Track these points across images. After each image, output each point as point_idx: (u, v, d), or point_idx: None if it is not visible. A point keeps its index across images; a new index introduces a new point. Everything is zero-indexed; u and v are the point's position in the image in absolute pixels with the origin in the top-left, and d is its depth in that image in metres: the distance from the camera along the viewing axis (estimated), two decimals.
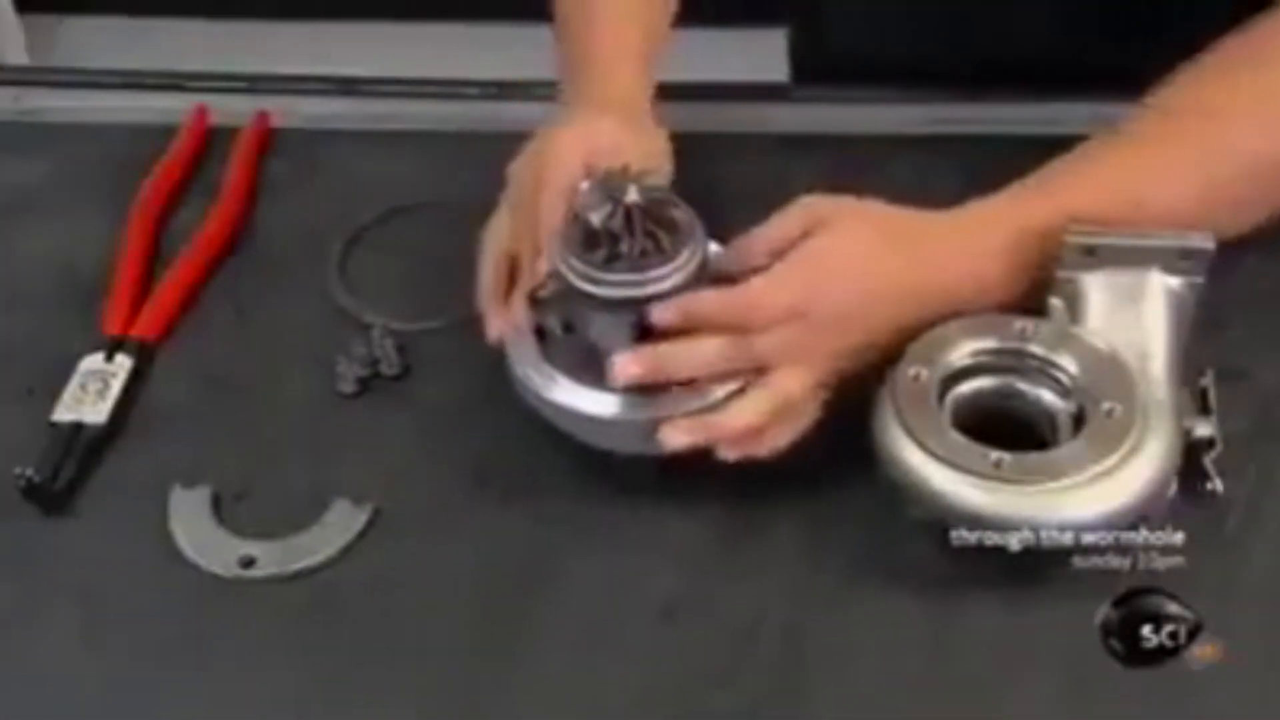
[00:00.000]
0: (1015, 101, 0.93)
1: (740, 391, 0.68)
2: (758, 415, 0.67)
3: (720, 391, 0.68)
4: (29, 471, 0.72)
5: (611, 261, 0.66)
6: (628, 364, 0.66)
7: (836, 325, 0.68)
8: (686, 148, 0.81)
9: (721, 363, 0.67)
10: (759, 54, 1.09)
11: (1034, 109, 0.91)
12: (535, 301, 0.70)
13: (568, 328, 0.69)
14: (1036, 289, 0.71)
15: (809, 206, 0.70)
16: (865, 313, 0.68)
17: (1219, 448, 0.69)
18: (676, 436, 0.67)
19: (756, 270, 0.69)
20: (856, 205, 0.71)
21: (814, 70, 1.05)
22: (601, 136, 0.74)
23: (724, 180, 0.83)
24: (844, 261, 0.69)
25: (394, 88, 1.01)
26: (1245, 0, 0.76)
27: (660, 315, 0.66)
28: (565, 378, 0.69)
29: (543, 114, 0.90)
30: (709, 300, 0.68)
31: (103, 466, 0.75)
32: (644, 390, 0.68)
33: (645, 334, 0.68)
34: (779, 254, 0.69)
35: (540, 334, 0.70)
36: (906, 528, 0.67)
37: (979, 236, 0.71)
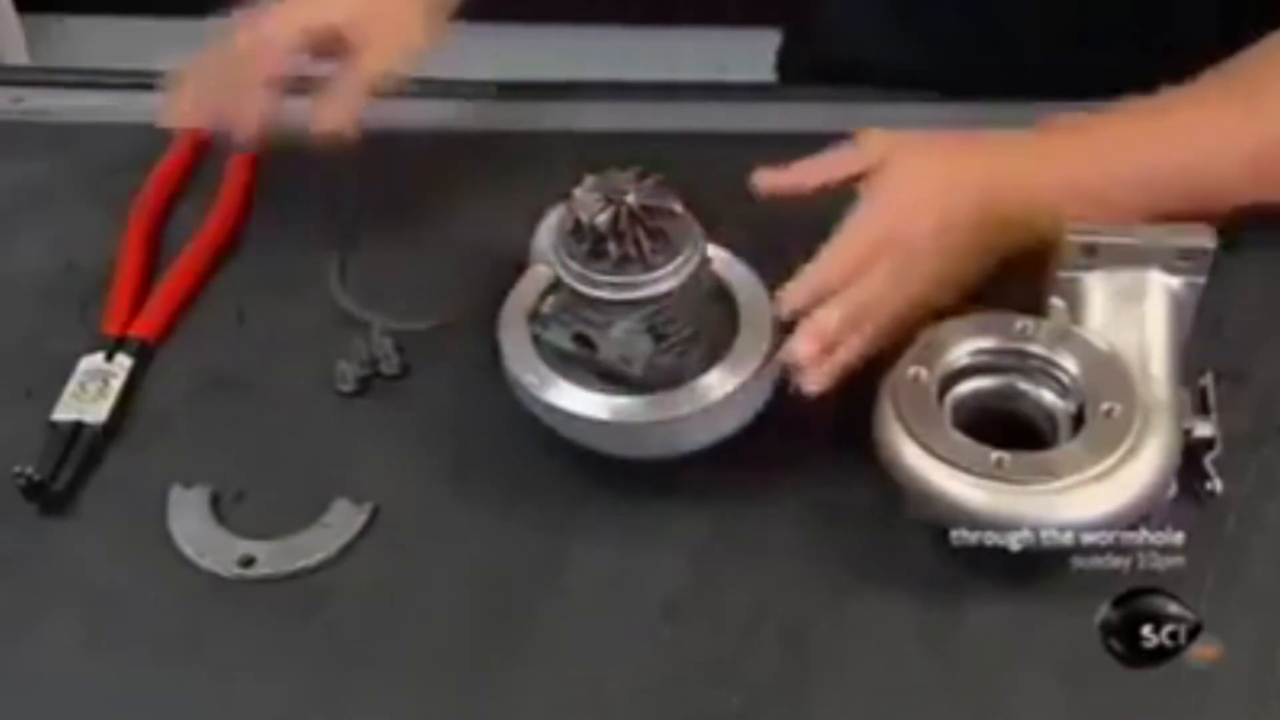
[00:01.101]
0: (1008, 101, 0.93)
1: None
2: (839, 318, 0.68)
3: (721, 392, 0.68)
4: (29, 471, 0.72)
5: (610, 263, 0.66)
6: (797, 348, 0.67)
7: (918, 253, 0.70)
8: (682, 148, 0.81)
9: (847, 326, 0.68)
10: (751, 54, 1.09)
11: (1026, 109, 0.91)
12: (541, 317, 0.70)
13: (579, 339, 0.69)
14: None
15: (872, 140, 0.73)
16: (942, 240, 0.70)
17: (1219, 448, 0.69)
18: (799, 347, 0.67)
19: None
20: (917, 138, 0.73)
21: (802, 78, 1.05)
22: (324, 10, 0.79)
23: (719, 180, 0.83)
24: (920, 190, 0.71)
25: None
26: (1234, 9, 0.77)
27: (791, 302, 0.68)
28: (562, 380, 0.69)
29: (544, 115, 0.90)
30: (820, 269, 0.69)
31: (103, 466, 0.75)
32: (639, 393, 0.68)
33: (660, 338, 0.68)
34: (836, 182, 0.72)
35: (541, 344, 0.70)
36: (906, 527, 0.67)
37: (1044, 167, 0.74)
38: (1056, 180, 0.73)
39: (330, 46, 0.81)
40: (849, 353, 0.69)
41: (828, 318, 0.68)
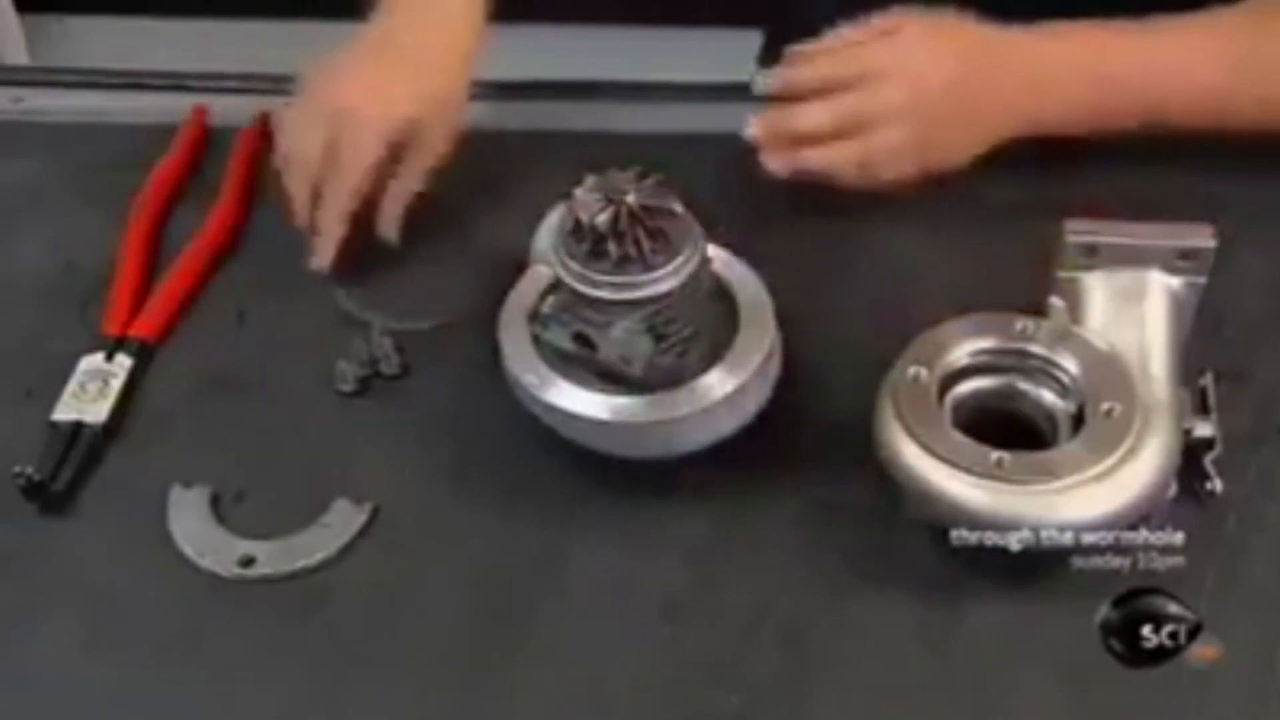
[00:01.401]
0: None
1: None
2: (822, 121, 0.77)
3: (720, 392, 0.68)
4: (29, 471, 0.72)
5: (610, 263, 0.66)
6: (756, 123, 0.78)
7: (937, 93, 0.77)
8: (682, 148, 0.81)
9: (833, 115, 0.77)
10: (752, 55, 1.08)
11: None
12: (541, 317, 0.70)
13: (578, 339, 0.69)
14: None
15: (887, 16, 0.79)
16: (961, 87, 0.78)
17: (1219, 448, 0.69)
18: (758, 125, 0.77)
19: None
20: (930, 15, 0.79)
21: None
22: (399, 117, 0.81)
23: (719, 180, 0.83)
24: (940, 42, 0.78)
25: None
26: None
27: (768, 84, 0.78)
28: (562, 380, 0.69)
29: (544, 115, 0.90)
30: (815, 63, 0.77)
31: (103, 466, 0.75)
32: (639, 393, 0.68)
33: (660, 338, 0.68)
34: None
35: (541, 344, 0.70)
36: (906, 527, 0.67)
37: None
38: (1071, 59, 0.79)
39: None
40: (830, 157, 0.76)
41: (814, 114, 0.76)
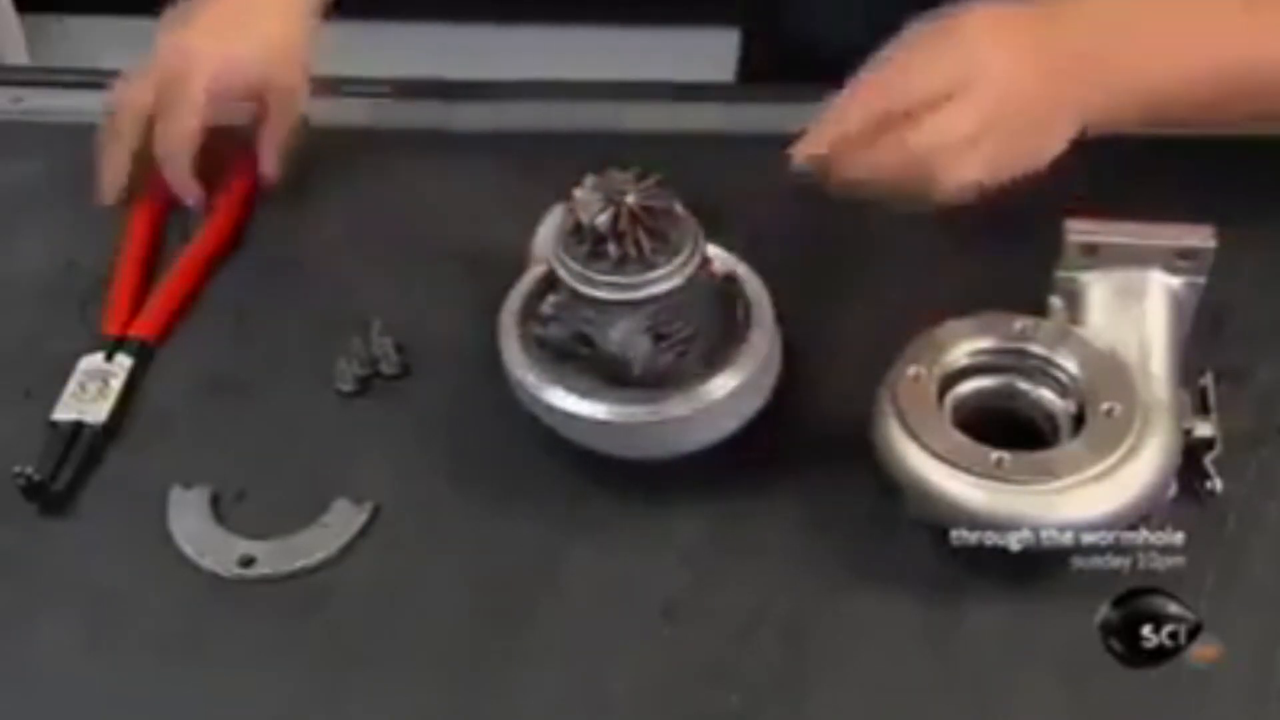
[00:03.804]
0: None
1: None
2: (885, 171, 0.68)
3: (721, 392, 0.68)
4: (29, 471, 0.72)
5: (610, 263, 0.66)
6: (804, 147, 0.68)
7: (1007, 110, 0.66)
8: (682, 148, 0.81)
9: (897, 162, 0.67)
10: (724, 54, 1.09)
11: None
12: (541, 316, 0.71)
13: (578, 339, 0.69)
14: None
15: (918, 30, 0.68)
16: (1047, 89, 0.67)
17: (1219, 448, 0.69)
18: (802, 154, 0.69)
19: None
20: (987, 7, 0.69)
21: (765, 74, 1.04)
22: (241, 72, 0.86)
23: (719, 180, 0.83)
24: (993, 47, 0.67)
25: (394, 88, 1.01)
26: None
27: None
28: (562, 380, 0.69)
29: (544, 115, 0.89)
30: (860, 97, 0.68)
31: (103, 466, 0.75)
32: (639, 393, 0.68)
33: (660, 338, 0.68)
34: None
35: (541, 343, 0.70)
36: (906, 528, 0.67)
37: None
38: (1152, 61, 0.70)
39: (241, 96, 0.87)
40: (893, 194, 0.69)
41: (873, 164, 0.67)
